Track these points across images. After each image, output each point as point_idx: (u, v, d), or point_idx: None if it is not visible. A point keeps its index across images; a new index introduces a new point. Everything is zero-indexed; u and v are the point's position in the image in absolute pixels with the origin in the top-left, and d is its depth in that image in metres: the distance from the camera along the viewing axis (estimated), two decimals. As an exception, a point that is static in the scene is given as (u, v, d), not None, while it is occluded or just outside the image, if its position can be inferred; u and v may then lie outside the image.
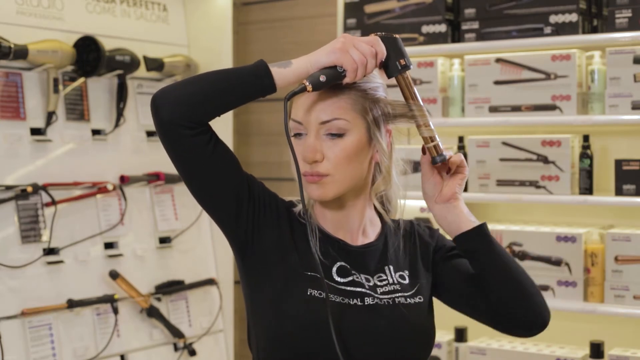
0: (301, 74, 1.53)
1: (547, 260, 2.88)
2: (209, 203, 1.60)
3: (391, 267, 1.65)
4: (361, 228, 1.67)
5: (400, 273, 1.65)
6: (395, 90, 1.64)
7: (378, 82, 1.63)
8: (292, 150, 1.55)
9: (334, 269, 1.61)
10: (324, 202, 1.64)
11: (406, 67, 1.59)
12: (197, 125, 1.51)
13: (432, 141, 1.62)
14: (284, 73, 1.53)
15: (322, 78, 1.52)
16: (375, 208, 1.71)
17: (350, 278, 1.61)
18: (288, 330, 1.55)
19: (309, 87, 1.52)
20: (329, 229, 1.66)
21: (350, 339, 1.55)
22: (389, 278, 1.64)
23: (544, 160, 2.91)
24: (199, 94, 1.51)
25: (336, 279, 1.60)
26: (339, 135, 1.57)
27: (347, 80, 1.54)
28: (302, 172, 1.57)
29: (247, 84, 1.52)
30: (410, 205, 3.17)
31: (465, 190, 3.05)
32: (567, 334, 2.98)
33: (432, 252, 1.71)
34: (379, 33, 1.59)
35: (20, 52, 2.79)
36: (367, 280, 1.62)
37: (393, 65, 1.58)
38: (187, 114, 1.50)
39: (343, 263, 1.62)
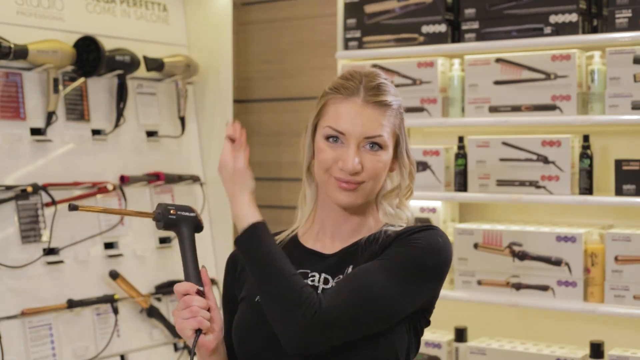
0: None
1: (547, 260, 2.88)
2: None
3: (351, 267, 1.66)
4: (350, 231, 1.71)
5: None
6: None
7: (400, 98, 1.72)
8: None
9: None
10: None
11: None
12: None
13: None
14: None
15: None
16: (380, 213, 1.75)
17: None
18: (236, 335, 1.68)
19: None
20: (313, 236, 1.74)
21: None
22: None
23: (544, 160, 2.91)
24: None
25: None
26: (378, 149, 1.65)
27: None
28: (335, 177, 1.64)
29: None
30: (411, 205, 3.17)
31: (465, 190, 3.06)
32: (567, 334, 2.98)
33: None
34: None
35: (20, 52, 2.79)
36: (326, 282, 1.65)
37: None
38: None
39: (303, 270, 1.67)
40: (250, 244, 1.59)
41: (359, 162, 1.63)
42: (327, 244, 1.72)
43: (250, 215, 1.61)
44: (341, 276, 1.65)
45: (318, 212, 1.74)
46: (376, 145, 1.65)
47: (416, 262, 1.60)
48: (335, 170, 1.64)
